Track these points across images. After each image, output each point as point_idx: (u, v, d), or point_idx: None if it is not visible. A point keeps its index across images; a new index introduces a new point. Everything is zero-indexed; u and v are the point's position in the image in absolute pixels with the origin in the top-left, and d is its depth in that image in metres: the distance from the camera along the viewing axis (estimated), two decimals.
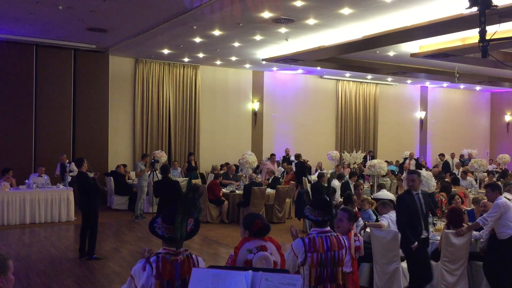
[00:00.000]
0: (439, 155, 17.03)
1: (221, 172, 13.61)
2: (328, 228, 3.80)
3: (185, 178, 13.48)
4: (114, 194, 13.25)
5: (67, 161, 12.25)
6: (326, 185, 9.80)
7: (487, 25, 5.03)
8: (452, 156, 17.08)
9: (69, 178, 11.89)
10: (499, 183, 11.45)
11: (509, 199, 7.16)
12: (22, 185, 11.34)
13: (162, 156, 13.29)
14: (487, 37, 4.86)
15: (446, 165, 15.90)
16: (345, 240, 3.90)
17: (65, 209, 11.38)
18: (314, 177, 14.76)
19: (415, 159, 17.31)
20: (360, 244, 4.16)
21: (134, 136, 15.02)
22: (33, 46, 13.05)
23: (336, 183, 10.91)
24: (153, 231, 3.03)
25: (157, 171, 11.99)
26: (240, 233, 3.52)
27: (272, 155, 14.88)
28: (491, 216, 5.94)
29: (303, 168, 15.34)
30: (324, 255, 3.66)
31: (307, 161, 15.99)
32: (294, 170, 15.51)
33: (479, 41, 4.87)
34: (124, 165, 13.94)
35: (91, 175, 8.37)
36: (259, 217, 3.49)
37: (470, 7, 4.82)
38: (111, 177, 13.33)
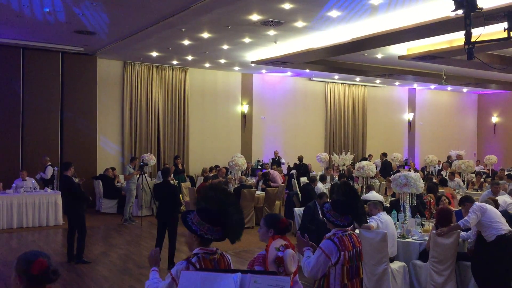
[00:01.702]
0: (381, 154, 17.01)
1: (211, 174, 13.58)
2: (347, 227, 3.93)
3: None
4: (102, 198, 13.16)
5: (49, 163, 12.13)
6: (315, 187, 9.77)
7: (473, 28, 5.09)
8: (459, 157, 16.89)
9: (38, 177, 11.77)
10: (486, 184, 11.60)
11: (494, 202, 7.27)
12: (9, 189, 11.22)
13: (151, 159, 13.24)
14: (473, 40, 4.91)
15: (385, 165, 15.80)
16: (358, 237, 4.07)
17: (53, 213, 11.29)
18: (304, 179, 14.81)
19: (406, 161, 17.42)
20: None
21: (123, 139, 14.93)
22: (20, 49, 12.93)
23: (320, 185, 10.94)
24: (203, 237, 3.04)
25: (145, 174, 11.93)
26: (261, 234, 3.61)
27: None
28: (470, 219, 6.04)
29: (305, 170, 15.43)
30: (352, 252, 3.81)
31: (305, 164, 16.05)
32: (293, 172, 15.61)
33: (465, 44, 4.92)
34: (113, 168, 13.86)
35: (76, 180, 8.31)
36: (281, 216, 3.67)
37: (456, 10, 4.87)
38: (100, 181, 13.24)
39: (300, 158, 15.86)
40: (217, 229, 3.07)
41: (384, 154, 16.85)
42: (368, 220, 6.68)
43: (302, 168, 15.54)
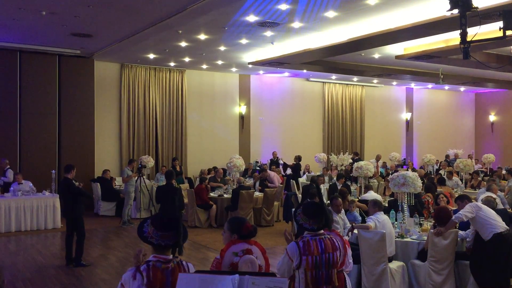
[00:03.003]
0: (353, 153, 17.08)
1: (209, 176, 13.57)
2: (322, 231, 3.80)
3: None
4: (101, 200, 13.13)
5: (8, 166, 11.98)
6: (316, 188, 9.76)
7: (469, 27, 5.11)
8: (470, 157, 16.94)
9: (1, 183, 11.67)
10: (484, 182, 11.62)
11: (493, 198, 7.28)
12: (7, 192, 11.19)
13: (149, 161, 13.21)
14: (468, 39, 4.92)
15: None
16: (339, 242, 3.88)
17: (51, 216, 11.25)
18: (302, 179, 14.81)
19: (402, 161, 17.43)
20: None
21: (121, 142, 14.92)
22: (16, 52, 12.91)
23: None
24: (147, 241, 2.98)
25: (144, 176, 11.90)
26: (224, 238, 3.52)
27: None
28: (464, 211, 6.06)
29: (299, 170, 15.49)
30: (319, 258, 3.65)
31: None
32: (289, 172, 15.68)
33: (461, 43, 4.93)
34: (107, 170, 13.73)
35: (76, 184, 8.29)
36: (246, 220, 3.56)
37: (451, 9, 4.88)
38: (98, 183, 13.22)
39: (298, 158, 15.88)
40: (163, 234, 2.95)
41: (356, 153, 16.92)
42: (366, 220, 6.69)
43: (299, 168, 15.57)
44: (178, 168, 14.22)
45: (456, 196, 9.30)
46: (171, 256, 2.99)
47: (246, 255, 3.26)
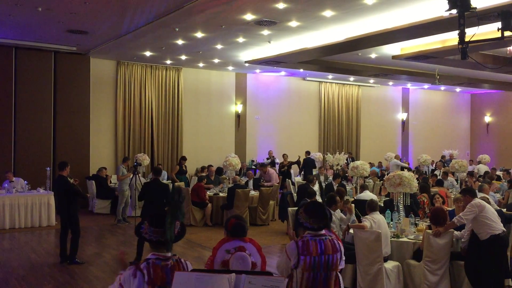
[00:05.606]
0: (305, 152, 16.79)
1: (203, 174, 13.55)
2: (323, 232, 3.75)
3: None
4: (96, 198, 13.08)
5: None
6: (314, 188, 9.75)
7: (467, 28, 5.11)
8: (494, 169, 16.88)
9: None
10: (479, 183, 11.66)
11: (487, 198, 7.29)
12: (1, 189, 11.12)
13: (145, 159, 13.17)
14: (466, 39, 4.92)
15: (307, 163, 15.46)
16: (340, 244, 3.84)
17: (45, 213, 11.20)
18: (298, 179, 14.80)
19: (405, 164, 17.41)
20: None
21: (116, 139, 14.86)
22: (12, 48, 12.84)
23: (316, 186, 10.92)
24: (140, 236, 3.06)
25: (139, 175, 11.85)
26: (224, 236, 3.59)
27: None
28: (466, 215, 6.04)
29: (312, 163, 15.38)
30: (317, 259, 3.60)
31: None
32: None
33: (459, 43, 4.93)
34: (104, 168, 13.65)
35: (71, 181, 8.25)
36: (234, 217, 3.60)
37: (450, 9, 4.88)
38: (93, 181, 13.16)
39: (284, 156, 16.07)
40: (155, 230, 3.02)
41: (307, 152, 16.69)
42: (361, 220, 6.69)
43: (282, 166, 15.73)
44: (184, 168, 14.30)
45: (452, 196, 9.31)
46: (169, 254, 3.01)
47: (237, 252, 3.27)
